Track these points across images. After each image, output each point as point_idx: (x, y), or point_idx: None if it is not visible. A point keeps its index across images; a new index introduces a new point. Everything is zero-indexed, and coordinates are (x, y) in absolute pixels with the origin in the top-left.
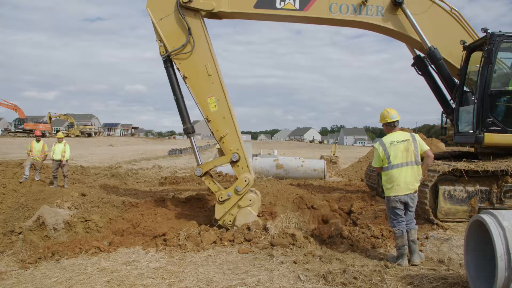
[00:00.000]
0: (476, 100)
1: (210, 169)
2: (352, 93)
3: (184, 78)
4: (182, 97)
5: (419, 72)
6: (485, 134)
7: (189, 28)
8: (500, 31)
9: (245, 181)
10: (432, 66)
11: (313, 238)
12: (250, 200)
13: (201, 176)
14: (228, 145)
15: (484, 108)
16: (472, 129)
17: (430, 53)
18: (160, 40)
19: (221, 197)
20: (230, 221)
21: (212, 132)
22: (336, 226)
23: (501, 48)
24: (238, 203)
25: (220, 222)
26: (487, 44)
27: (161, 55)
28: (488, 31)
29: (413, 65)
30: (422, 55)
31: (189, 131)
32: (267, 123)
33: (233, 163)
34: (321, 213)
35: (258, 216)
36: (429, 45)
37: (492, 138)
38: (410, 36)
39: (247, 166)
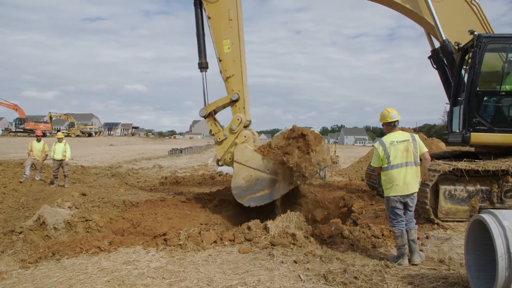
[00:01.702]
0: (463, 100)
1: (213, 110)
2: (352, 93)
3: (208, 18)
4: (203, 34)
5: (434, 66)
6: (472, 133)
7: None
8: (486, 33)
9: (238, 119)
10: (444, 59)
11: (314, 238)
12: (245, 137)
13: (205, 117)
14: (232, 85)
15: (471, 108)
16: (459, 128)
17: (443, 45)
18: None
19: (219, 138)
20: (229, 158)
21: (220, 71)
22: (336, 225)
23: (488, 49)
24: (235, 141)
25: (221, 162)
26: (473, 46)
27: None
28: (475, 33)
29: (429, 57)
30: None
31: (203, 65)
32: (267, 123)
33: (232, 102)
34: (311, 138)
35: (255, 151)
36: (444, 37)
37: (478, 137)
38: (425, 19)
39: (244, 108)
